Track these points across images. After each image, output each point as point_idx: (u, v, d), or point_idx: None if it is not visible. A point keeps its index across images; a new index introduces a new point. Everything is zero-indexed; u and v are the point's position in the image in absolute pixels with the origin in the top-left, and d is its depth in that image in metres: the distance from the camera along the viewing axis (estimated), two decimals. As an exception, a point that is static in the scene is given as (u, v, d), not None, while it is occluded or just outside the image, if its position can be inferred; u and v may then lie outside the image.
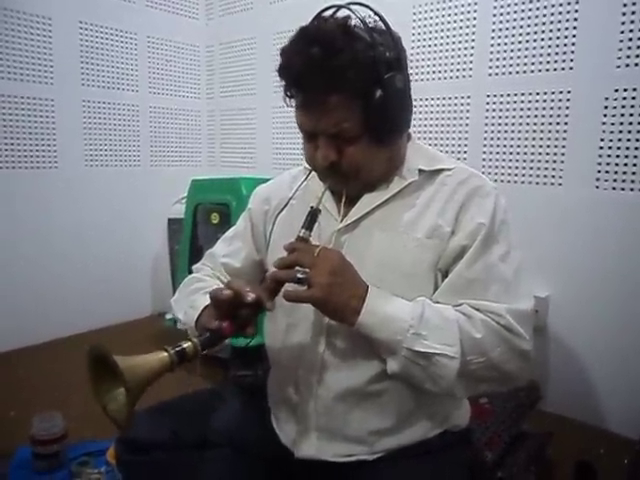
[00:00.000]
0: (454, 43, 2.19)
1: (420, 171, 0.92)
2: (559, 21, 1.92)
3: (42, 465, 1.58)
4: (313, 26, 0.83)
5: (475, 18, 2.12)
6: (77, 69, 2.70)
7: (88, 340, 2.61)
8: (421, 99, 2.28)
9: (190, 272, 1.13)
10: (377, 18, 0.85)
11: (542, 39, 1.96)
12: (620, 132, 1.83)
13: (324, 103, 0.81)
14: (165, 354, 0.76)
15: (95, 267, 2.86)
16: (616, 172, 1.85)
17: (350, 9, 0.84)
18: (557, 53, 1.94)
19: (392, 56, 0.83)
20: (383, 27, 0.85)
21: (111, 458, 1.58)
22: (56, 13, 2.58)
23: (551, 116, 1.97)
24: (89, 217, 2.82)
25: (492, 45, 2.09)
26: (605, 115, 1.85)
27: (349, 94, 0.81)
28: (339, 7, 0.86)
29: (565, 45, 1.91)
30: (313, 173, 0.95)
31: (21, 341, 2.56)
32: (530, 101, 2.02)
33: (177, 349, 0.77)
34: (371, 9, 0.86)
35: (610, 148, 1.85)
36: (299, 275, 0.81)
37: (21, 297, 2.59)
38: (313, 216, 0.86)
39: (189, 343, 0.78)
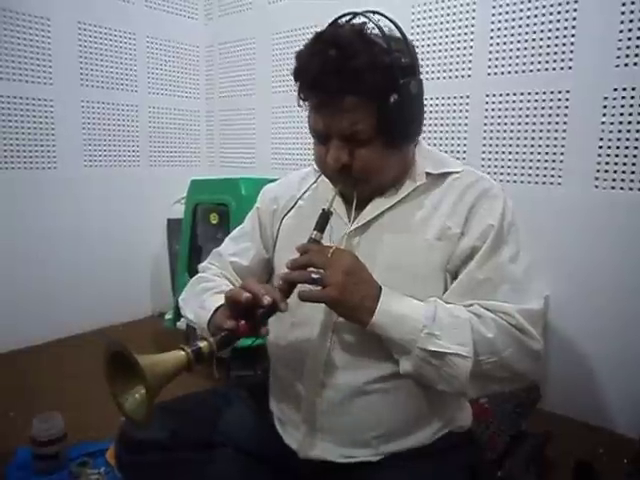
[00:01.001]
0: (453, 42, 2.19)
1: (428, 174, 0.93)
2: (558, 20, 1.92)
3: (42, 466, 1.57)
4: (330, 31, 0.85)
5: (474, 17, 2.12)
6: (76, 69, 2.70)
7: (88, 341, 2.62)
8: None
9: (190, 272, 1.14)
10: (392, 25, 0.86)
11: (541, 38, 1.96)
12: (619, 132, 1.83)
13: (339, 104, 0.82)
14: (182, 353, 0.76)
15: (94, 267, 2.85)
16: (615, 172, 1.85)
17: (366, 16, 0.85)
18: (556, 53, 1.94)
19: (407, 63, 0.84)
20: (398, 34, 0.86)
21: (111, 459, 1.58)
22: (55, 14, 2.58)
23: (550, 115, 1.97)
24: (88, 217, 2.82)
25: (491, 45, 2.09)
26: (604, 115, 1.85)
27: (364, 96, 0.82)
28: (355, 14, 0.87)
29: (564, 45, 1.91)
30: (323, 176, 0.96)
31: (20, 342, 2.56)
32: (529, 101, 2.02)
33: (194, 348, 0.77)
34: (387, 17, 0.87)
35: (609, 148, 1.85)
36: (314, 275, 0.81)
37: (20, 298, 2.59)
38: (325, 218, 0.87)
39: (205, 342, 0.78)
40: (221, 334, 0.81)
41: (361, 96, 0.81)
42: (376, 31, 0.83)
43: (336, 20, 0.87)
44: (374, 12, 0.86)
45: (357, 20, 0.86)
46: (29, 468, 1.59)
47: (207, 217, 2.41)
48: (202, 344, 0.78)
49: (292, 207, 0.98)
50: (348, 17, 0.87)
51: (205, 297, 0.99)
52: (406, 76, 0.83)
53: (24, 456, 1.62)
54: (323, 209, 0.87)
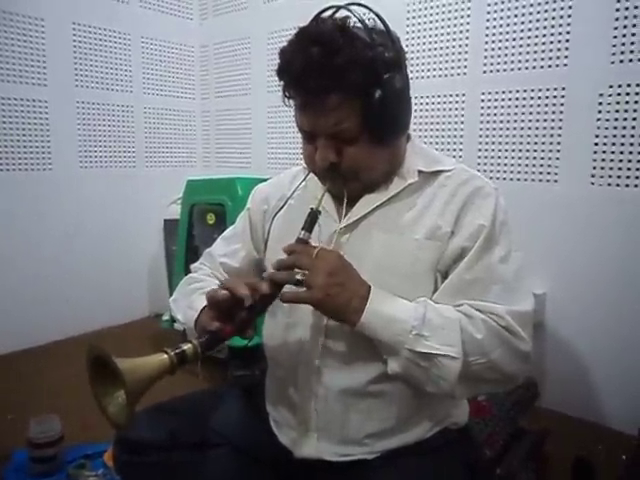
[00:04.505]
0: (448, 40, 2.19)
1: (419, 172, 0.92)
2: (553, 18, 1.92)
3: (39, 469, 1.57)
4: (312, 26, 0.84)
5: (469, 15, 2.12)
6: (71, 70, 2.69)
7: (86, 342, 2.59)
8: (416, 97, 2.28)
9: (187, 272, 1.13)
10: (376, 19, 0.85)
11: (536, 36, 1.96)
12: (615, 128, 1.83)
13: (323, 103, 0.81)
14: (165, 356, 0.75)
15: (91, 269, 2.85)
16: (611, 168, 1.85)
17: (349, 10, 0.84)
18: (551, 50, 1.94)
19: (391, 56, 0.83)
20: (382, 28, 0.85)
21: (108, 460, 1.57)
22: (49, 14, 2.57)
23: (546, 113, 1.98)
24: (84, 218, 2.81)
25: (486, 42, 2.09)
26: (600, 111, 1.86)
27: (348, 94, 0.81)
28: (338, 8, 0.86)
29: (559, 42, 1.92)
30: (312, 174, 0.95)
31: (17, 344, 2.54)
32: (525, 98, 2.02)
33: (177, 351, 0.76)
34: (370, 10, 0.86)
35: (605, 144, 1.86)
36: (298, 277, 0.81)
37: (16, 300, 2.58)
38: (313, 218, 0.86)
39: (189, 345, 0.77)
40: (206, 336, 0.80)
41: (345, 93, 0.80)
42: (359, 24, 0.82)
43: (319, 14, 0.86)
44: (357, 5, 0.84)
45: (340, 14, 0.85)
46: (26, 471, 1.58)
47: (204, 217, 2.41)
48: (186, 347, 0.77)
49: (282, 206, 0.97)
50: (331, 11, 0.86)
51: (194, 297, 0.98)
52: (390, 71, 0.82)
53: (21, 458, 1.61)
54: (311, 208, 0.86)
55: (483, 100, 2.13)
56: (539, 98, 1.98)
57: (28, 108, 2.55)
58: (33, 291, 2.63)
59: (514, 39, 2.02)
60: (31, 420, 1.58)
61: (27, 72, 2.53)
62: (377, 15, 0.86)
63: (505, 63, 2.05)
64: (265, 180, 1.15)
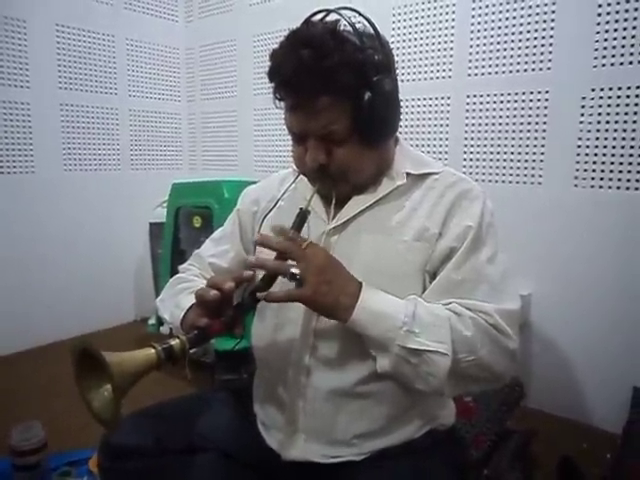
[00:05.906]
0: (433, 44, 2.20)
1: (407, 174, 0.93)
2: (537, 22, 1.94)
3: (23, 477, 1.53)
4: (303, 29, 0.84)
5: (454, 19, 2.14)
6: (54, 72, 2.66)
7: (69, 348, 2.56)
8: (401, 100, 2.28)
9: (173, 276, 1.12)
10: (366, 22, 0.86)
11: (520, 40, 1.98)
12: (597, 131, 1.86)
13: (314, 105, 0.82)
14: (152, 351, 0.75)
15: (76, 273, 2.81)
16: (594, 170, 1.88)
17: (339, 13, 0.85)
18: (535, 54, 1.96)
19: (381, 59, 0.84)
20: (372, 31, 0.86)
21: (93, 467, 1.55)
22: (31, 15, 2.53)
23: (530, 116, 2.00)
24: (68, 222, 2.78)
25: (471, 46, 2.11)
26: (582, 114, 1.88)
27: (338, 96, 0.82)
28: (328, 11, 0.87)
29: (543, 46, 1.94)
30: (301, 175, 0.95)
31: (0, 349, 2.51)
32: (509, 101, 2.04)
33: (164, 346, 0.76)
34: (360, 14, 0.87)
35: (588, 147, 1.88)
36: (293, 270, 0.80)
37: (0, 304, 2.54)
38: (302, 217, 0.86)
39: (177, 340, 0.77)
40: (194, 332, 0.80)
41: (335, 95, 0.81)
42: (349, 28, 0.83)
43: (309, 18, 0.87)
44: (347, 8, 0.86)
45: (330, 17, 0.86)
46: (9, 479, 1.55)
47: (190, 220, 2.39)
48: (173, 342, 0.77)
49: (272, 208, 0.97)
50: (321, 15, 0.87)
51: (181, 297, 0.98)
52: (379, 73, 0.83)
53: (4, 467, 1.58)
54: (300, 208, 0.87)
55: (468, 103, 2.14)
56: (523, 101, 2.01)
57: (10, 110, 2.51)
58: (15, 295, 2.59)
59: (498, 43, 2.04)
60: (13, 427, 1.56)
61: (8, 74, 2.49)
62: (367, 19, 0.87)
63: (490, 66, 2.07)
64: (252, 183, 1.15)
